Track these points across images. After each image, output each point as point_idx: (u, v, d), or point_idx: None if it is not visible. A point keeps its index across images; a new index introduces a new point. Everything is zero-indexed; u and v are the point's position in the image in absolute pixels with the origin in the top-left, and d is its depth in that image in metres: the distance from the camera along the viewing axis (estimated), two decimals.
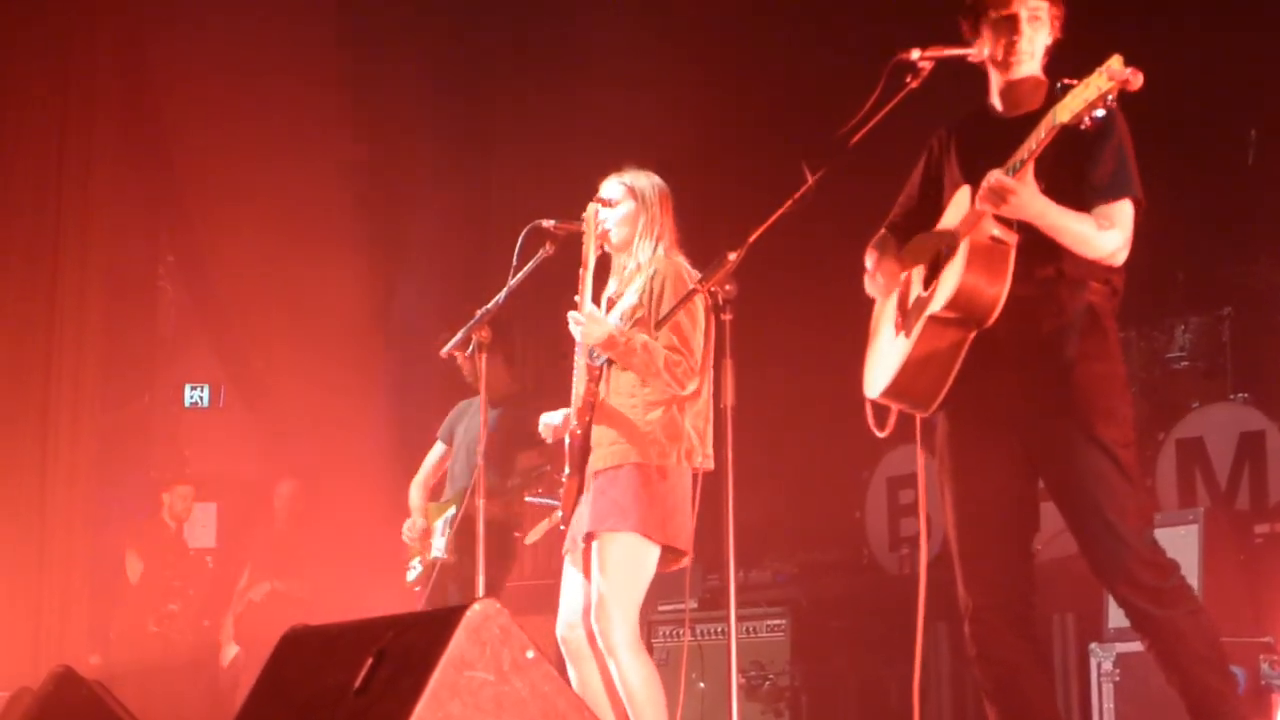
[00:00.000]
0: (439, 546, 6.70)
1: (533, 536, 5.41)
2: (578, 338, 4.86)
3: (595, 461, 4.82)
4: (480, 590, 4.98)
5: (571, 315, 4.85)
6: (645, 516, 4.71)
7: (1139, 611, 3.76)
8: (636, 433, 4.78)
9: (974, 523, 3.93)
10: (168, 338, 10.97)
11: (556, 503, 5.06)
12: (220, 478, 10.73)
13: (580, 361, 4.95)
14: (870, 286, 4.20)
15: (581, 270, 4.91)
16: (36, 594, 8.01)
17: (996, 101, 4.04)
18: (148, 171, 9.42)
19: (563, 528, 5.01)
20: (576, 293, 4.91)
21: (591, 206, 4.98)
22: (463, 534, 6.54)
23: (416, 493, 7.05)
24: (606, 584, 4.71)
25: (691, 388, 4.81)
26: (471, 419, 6.94)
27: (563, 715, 2.93)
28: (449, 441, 7.05)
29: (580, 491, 4.87)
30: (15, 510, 8.01)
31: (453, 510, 6.71)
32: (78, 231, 8.42)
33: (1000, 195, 3.68)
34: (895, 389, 3.96)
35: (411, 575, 6.86)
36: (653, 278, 4.91)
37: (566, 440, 4.93)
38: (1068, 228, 3.76)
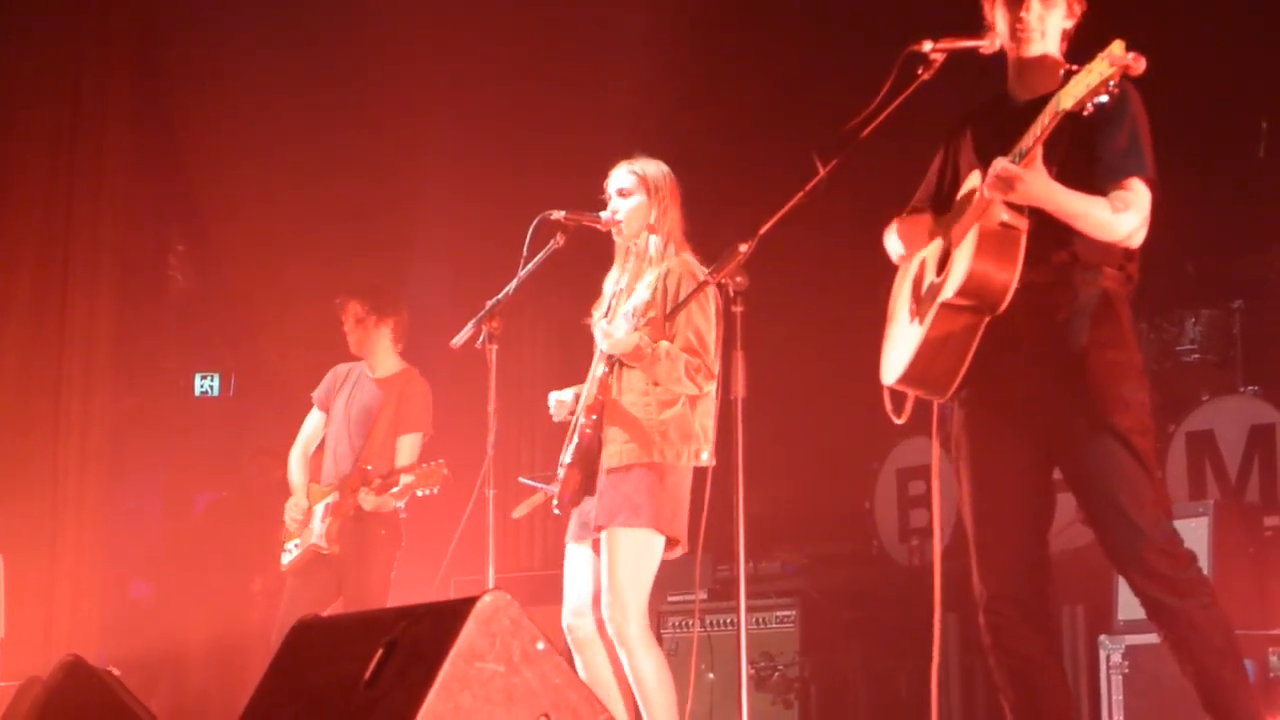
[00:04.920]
0: (318, 533, 6.48)
1: (520, 511, 5.40)
2: (604, 348, 4.90)
3: (608, 459, 4.87)
4: (490, 580, 4.97)
5: (600, 326, 4.92)
6: (658, 512, 4.79)
7: (1154, 601, 3.73)
8: (648, 431, 4.83)
9: (990, 512, 3.91)
10: (178, 327, 10.97)
11: (544, 486, 5.07)
12: (230, 467, 10.73)
13: (600, 363, 4.98)
14: (891, 240, 4.16)
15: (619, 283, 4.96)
16: (48, 583, 8.02)
17: (1013, 85, 4.01)
18: (159, 161, 9.43)
19: (557, 512, 5.03)
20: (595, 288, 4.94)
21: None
22: (347, 526, 6.47)
23: (299, 467, 6.76)
24: (618, 577, 4.77)
25: (709, 389, 4.85)
26: (354, 392, 6.76)
27: (573, 706, 2.93)
28: (326, 409, 6.82)
29: (581, 483, 4.92)
30: (27, 499, 8.01)
31: (334, 497, 6.51)
32: (89, 221, 8.42)
33: (1007, 183, 3.66)
34: (910, 375, 3.95)
35: (286, 559, 6.62)
36: (665, 276, 4.92)
37: (576, 435, 4.94)
38: (1083, 212, 3.72)
